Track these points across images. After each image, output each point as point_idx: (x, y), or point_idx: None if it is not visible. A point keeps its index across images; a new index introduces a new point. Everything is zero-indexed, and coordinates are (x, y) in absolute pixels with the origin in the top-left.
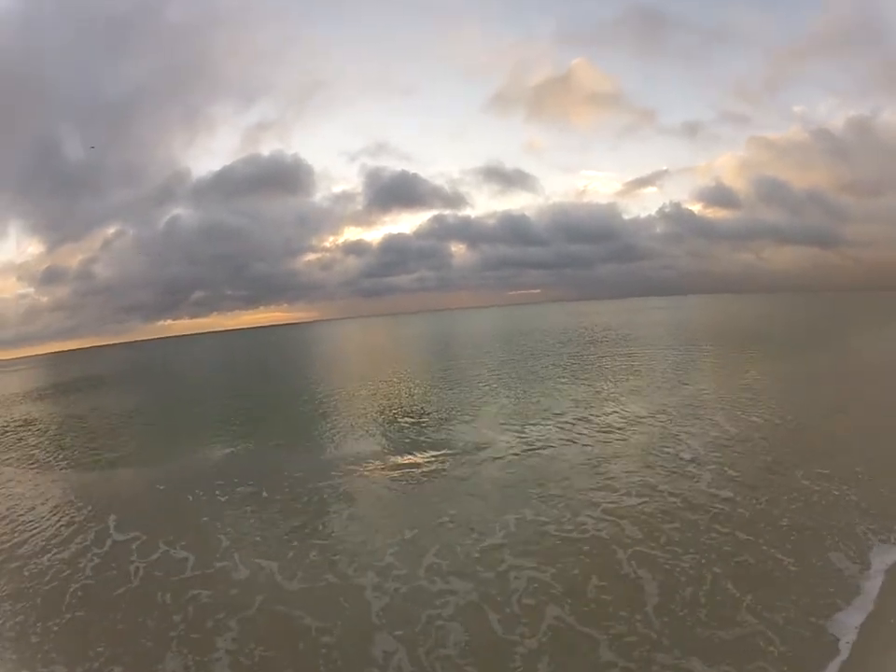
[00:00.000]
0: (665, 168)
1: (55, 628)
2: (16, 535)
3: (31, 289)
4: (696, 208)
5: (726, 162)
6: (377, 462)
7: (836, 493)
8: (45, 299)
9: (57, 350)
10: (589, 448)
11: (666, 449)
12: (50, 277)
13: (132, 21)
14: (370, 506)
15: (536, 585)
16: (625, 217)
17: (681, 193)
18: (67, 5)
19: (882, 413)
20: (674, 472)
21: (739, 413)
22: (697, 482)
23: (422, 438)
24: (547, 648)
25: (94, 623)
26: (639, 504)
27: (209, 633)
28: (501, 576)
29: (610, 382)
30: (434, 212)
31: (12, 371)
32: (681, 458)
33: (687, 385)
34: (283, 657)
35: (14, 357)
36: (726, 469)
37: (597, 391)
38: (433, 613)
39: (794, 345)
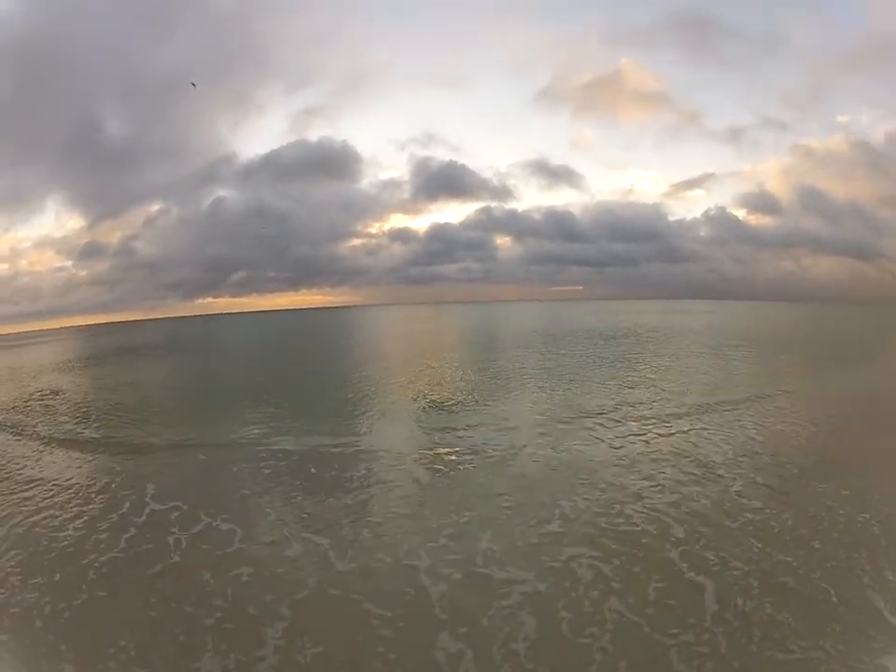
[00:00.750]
0: (711, 171)
1: (66, 613)
2: (41, 503)
3: (69, 263)
4: (741, 213)
5: (769, 169)
6: (424, 445)
7: (860, 521)
8: (83, 273)
9: (93, 322)
10: (626, 445)
11: (699, 451)
12: (90, 252)
13: (178, 2)
14: (420, 488)
15: (597, 577)
16: (671, 218)
17: (726, 197)
18: None
19: None
20: (706, 476)
21: (771, 421)
22: (728, 488)
23: (467, 424)
24: (620, 651)
25: (118, 606)
26: (677, 503)
27: (255, 621)
28: (565, 566)
29: (650, 382)
30: (481, 203)
31: (47, 341)
32: (713, 461)
33: (724, 388)
34: (338, 654)
35: (48, 328)
36: (754, 477)
37: (636, 389)
38: (499, 605)
39: (834, 357)
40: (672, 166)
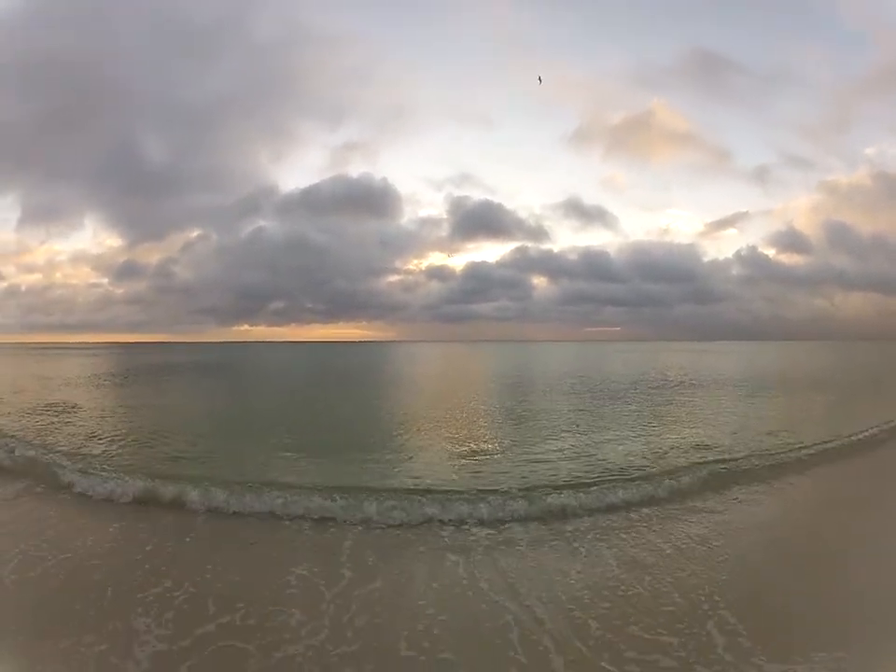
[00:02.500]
0: (745, 210)
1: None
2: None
3: (104, 280)
4: (771, 252)
5: (799, 206)
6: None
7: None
8: (119, 291)
9: (125, 341)
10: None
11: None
12: (127, 271)
13: (214, 33)
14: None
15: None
16: (704, 258)
17: (757, 237)
18: (145, 12)
19: None
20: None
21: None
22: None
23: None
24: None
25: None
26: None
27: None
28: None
29: (679, 431)
30: (517, 243)
31: (78, 354)
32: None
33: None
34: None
35: (80, 341)
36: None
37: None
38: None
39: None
40: (705, 206)
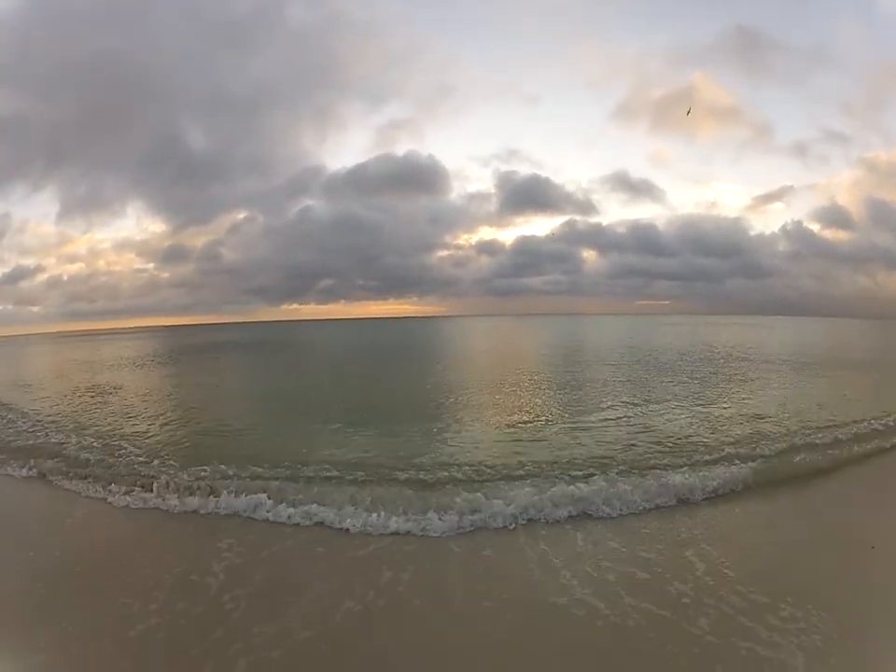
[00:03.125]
0: (790, 184)
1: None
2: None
3: (150, 265)
4: (816, 228)
5: (842, 181)
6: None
7: None
8: (165, 275)
9: (174, 324)
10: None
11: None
12: (173, 255)
13: (250, 23)
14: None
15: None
16: (751, 232)
17: (802, 212)
18: (184, 5)
19: None
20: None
21: None
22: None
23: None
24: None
25: None
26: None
27: None
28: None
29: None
30: (566, 217)
31: (123, 339)
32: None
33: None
34: None
35: (127, 326)
36: None
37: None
38: None
39: None
40: (750, 179)
